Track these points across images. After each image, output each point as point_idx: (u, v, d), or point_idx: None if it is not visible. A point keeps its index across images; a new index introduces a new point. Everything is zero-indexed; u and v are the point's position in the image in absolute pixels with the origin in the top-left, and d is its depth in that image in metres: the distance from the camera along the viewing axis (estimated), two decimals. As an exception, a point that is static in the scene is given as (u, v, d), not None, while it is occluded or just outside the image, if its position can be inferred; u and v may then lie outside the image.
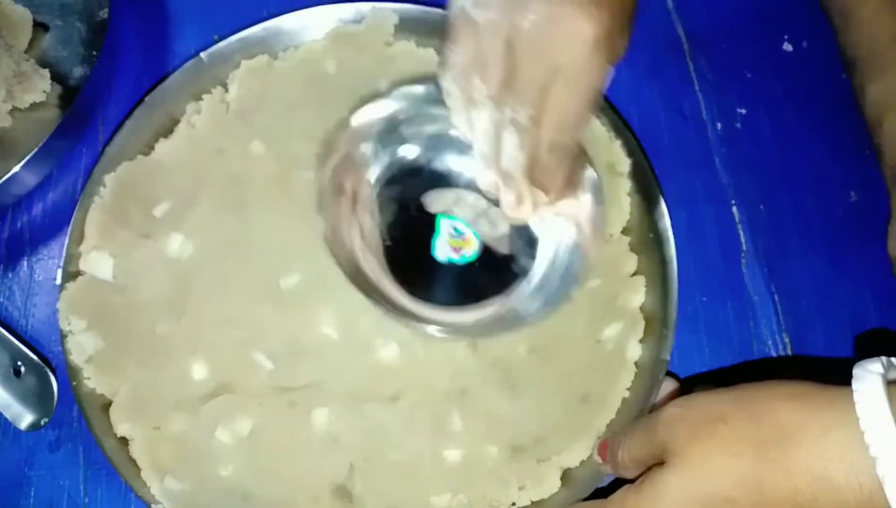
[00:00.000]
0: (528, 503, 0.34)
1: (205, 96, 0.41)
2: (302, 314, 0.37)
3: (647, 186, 0.39)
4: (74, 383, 0.35)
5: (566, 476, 0.35)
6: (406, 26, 0.43)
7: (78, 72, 0.44)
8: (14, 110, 0.42)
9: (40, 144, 0.38)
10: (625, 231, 0.40)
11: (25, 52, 0.44)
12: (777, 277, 0.40)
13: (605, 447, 0.33)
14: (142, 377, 0.35)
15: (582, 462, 0.35)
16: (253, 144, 0.40)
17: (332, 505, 0.34)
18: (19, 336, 0.37)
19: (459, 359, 0.37)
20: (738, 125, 0.44)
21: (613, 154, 0.40)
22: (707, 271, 0.41)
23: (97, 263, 0.37)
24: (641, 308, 0.38)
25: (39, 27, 0.45)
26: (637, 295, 0.38)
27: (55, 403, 0.36)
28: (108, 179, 0.38)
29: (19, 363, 0.36)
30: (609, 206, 0.40)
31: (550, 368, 0.37)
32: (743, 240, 0.42)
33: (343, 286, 0.37)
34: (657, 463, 0.29)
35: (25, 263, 0.40)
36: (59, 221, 0.41)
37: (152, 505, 0.33)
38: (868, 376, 0.25)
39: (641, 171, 0.40)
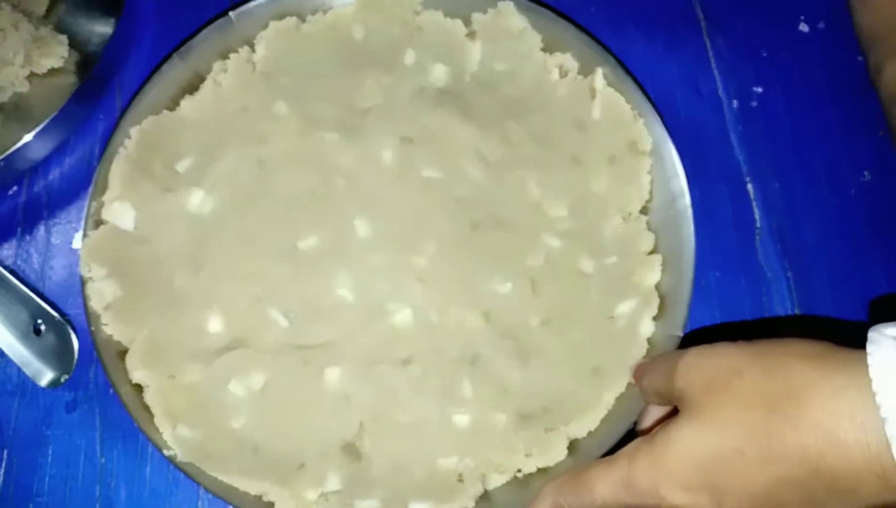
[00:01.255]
0: (534, 469, 0.35)
1: (231, 55, 0.41)
2: (318, 275, 0.37)
3: (668, 165, 0.39)
4: (93, 328, 0.35)
5: (573, 445, 0.35)
6: (435, -5, 0.43)
7: (95, 38, 0.44)
8: (32, 76, 0.43)
9: (58, 110, 0.39)
10: (643, 210, 0.40)
11: (43, 18, 0.44)
12: (790, 253, 0.40)
13: (640, 369, 0.34)
14: (158, 327, 0.36)
15: (589, 433, 0.35)
16: (277, 104, 0.41)
17: (341, 462, 0.34)
18: (40, 294, 0.37)
19: (472, 327, 0.37)
20: (754, 103, 0.44)
21: (636, 132, 0.40)
22: (721, 246, 0.41)
23: (119, 213, 0.37)
24: (657, 286, 0.38)
25: None
26: (653, 273, 0.38)
27: (75, 360, 0.37)
28: (134, 131, 0.39)
29: (39, 321, 0.37)
30: (629, 184, 0.40)
31: (562, 340, 0.37)
32: (757, 217, 0.42)
33: (359, 251, 0.38)
34: (671, 414, 0.29)
35: (43, 227, 0.41)
36: (76, 185, 0.42)
37: (164, 451, 0.33)
38: (883, 339, 0.26)
39: (663, 150, 0.40)
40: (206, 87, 0.41)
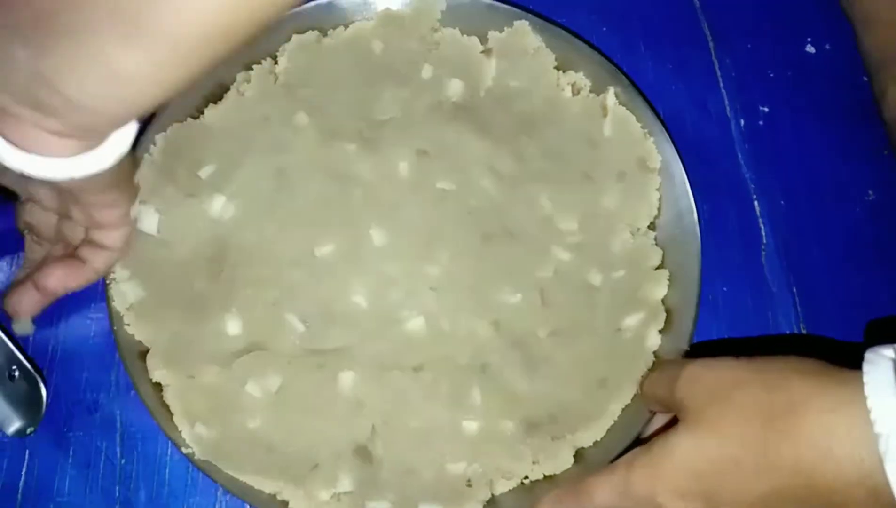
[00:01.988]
0: (541, 476, 0.35)
1: (255, 67, 0.43)
2: (334, 282, 0.38)
3: (677, 183, 0.40)
4: (115, 328, 0.36)
5: (579, 454, 0.36)
6: (453, 13, 0.44)
7: None
8: None
9: None
10: (652, 226, 0.41)
11: None
12: (796, 270, 0.41)
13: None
14: (178, 329, 0.37)
15: (596, 443, 0.36)
16: (297, 115, 0.42)
17: (353, 464, 0.35)
18: (16, 343, 0.37)
19: (482, 336, 0.38)
20: (761, 122, 0.45)
21: (646, 150, 0.41)
22: (728, 261, 0.42)
23: (144, 217, 0.38)
24: (664, 301, 0.39)
25: None
26: (660, 288, 0.39)
27: (42, 413, 0.36)
28: (159, 138, 0.40)
29: (14, 367, 0.36)
30: (638, 200, 0.41)
31: (569, 352, 0.38)
32: (763, 233, 0.43)
33: (374, 259, 0.39)
34: (671, 423, 0.30)
35: None
36: None
37: (182, 449, 0.34)
38: (879, 359, 0.27)
39: (672, 168, 0.41)
40: (230, 96, 0.42)
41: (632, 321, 0.38)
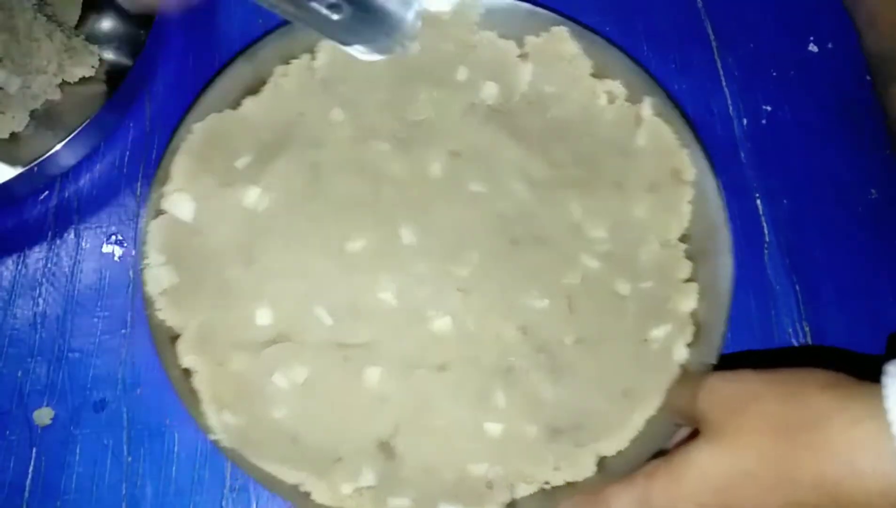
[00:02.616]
0: (562, 483, 0.35)
1: (293, 61, 0.43)
2: (363, 278, 0.39)
3: (710, 196, 0.40)
4: (148, 312, 0.37)
5: (602, 463, 0.36)
6: (491, 17, 0.44)
7: (126, 49, 0.45)
8: (64, 84, 0.44)
9: (89, 118, 0.40)
10: (682, 238, 0.41)
11: (76, 28, 0.46)
12: (798, 268, 0.42)
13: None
14: (209, 316, 0.37)
15: (619, 452, 0.36)
16: (333, 111, 0.42)
17: (376, 458, 0.35)
18: None
19: (508, 339, 0.38)
20: (764, 122, 0.46)
21: (680, 161, 0.41)
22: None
23: (179, 204, 0.39)
24: (692, 314, 0.39)
25: (90, 4, 0.46)
26: (689, 301, 0.39)
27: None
28: (197, 127, 0.40)
29: None
30: (669, 212, 0.41)
31: (595, 360, 0.38)
32: (766, 232, 0.43)
33: (404, 258, 0.39)
34: (692, 435, 0.30)
35: (73, 231, 0.43)
36: (105, 192, 0.43)
37: (209, 435, 0.34)
38: None
39: (705, 181, 0.41)
40: (268, 89, 0.43)
41: (659, 332, 0.38)
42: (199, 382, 0.36)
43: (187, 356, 0.36)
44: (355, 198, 0.40)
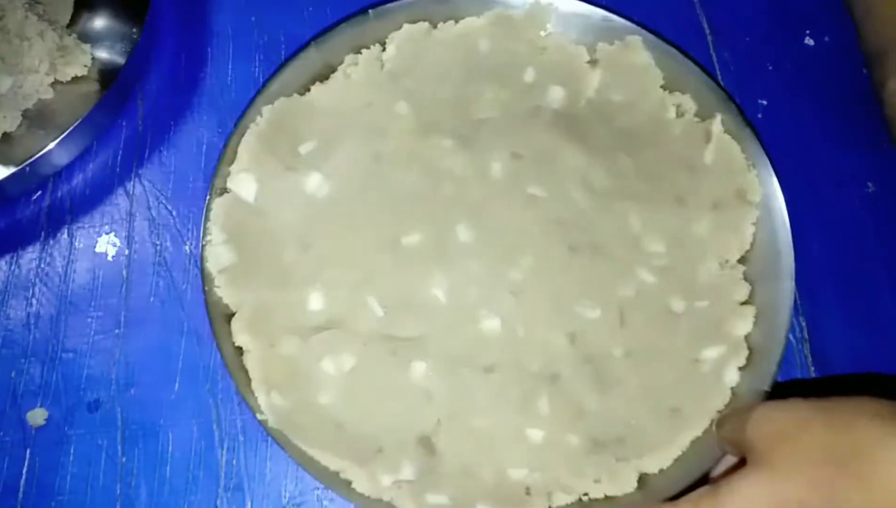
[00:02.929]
0: (602, 496, 0.35)
1: (363, 51, 0.43)
2: (416, 272, 0.39)
3: (776, 220, 0.39)
4: (206, 288, 0.37)
5: (643, 479, 0.35)
6: (564, 21, 0.44)
7: (118, 48, 0.45)
8: (56, 84, 0.44)
9: (81, 117, 0.39)
10: (742, 260, 0.40)
11: (68, 27, 0.45)
12: (796, 263, 0.40)
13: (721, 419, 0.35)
14: (264, 297, 0.38)
15: (661, 471, 0.35)
16: (399, 104, 0.42)
17: (417, 453, 0.35)
18: None
19: (556, 347, 0.38)
20: (760, 116, 0.45)
21: (747, 182, 0.40)
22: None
23: (243, 184, 0.39)
24: (747, 338, 0.38)
25: (82, 3, 0.46)
26: (744, 324, 0.38)
27: None
28: (266, 110, 0.41)
29: None
30: (731, 232, 0.40)
31: (643, 374, 0.38)
32: None
33: (458, 255, 0.39)
34: (739, 464, 0.30)
35: (66, 231, 0.42)
36: (98, 191, 0.43)
37: (257, 415, 0.35)
38: None
39: (773, 204, 0.40)
40: (337, 77, 0.43)
41: (711, 353, 0.38)
42: (250, 361, 0.36)
43: (241, 335, 0.37)
44: (414, 192, 0.41)
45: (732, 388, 0.37)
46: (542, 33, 0.44)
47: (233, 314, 0.37)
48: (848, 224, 0.43)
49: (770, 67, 0.46)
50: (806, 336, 0.41)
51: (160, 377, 0.39)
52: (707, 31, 0.47)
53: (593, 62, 0.44)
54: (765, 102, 0.46)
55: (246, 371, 0.36)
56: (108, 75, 0.45)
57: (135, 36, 0.44)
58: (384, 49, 0.44)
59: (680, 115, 0.43)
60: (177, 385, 0.39)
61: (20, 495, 0.37)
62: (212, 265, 0.38)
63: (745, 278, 0.39)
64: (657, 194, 0.41)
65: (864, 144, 0.44)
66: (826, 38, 0.47)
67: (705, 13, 0.48)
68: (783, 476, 0.28)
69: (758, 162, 0.40)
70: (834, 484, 0.27)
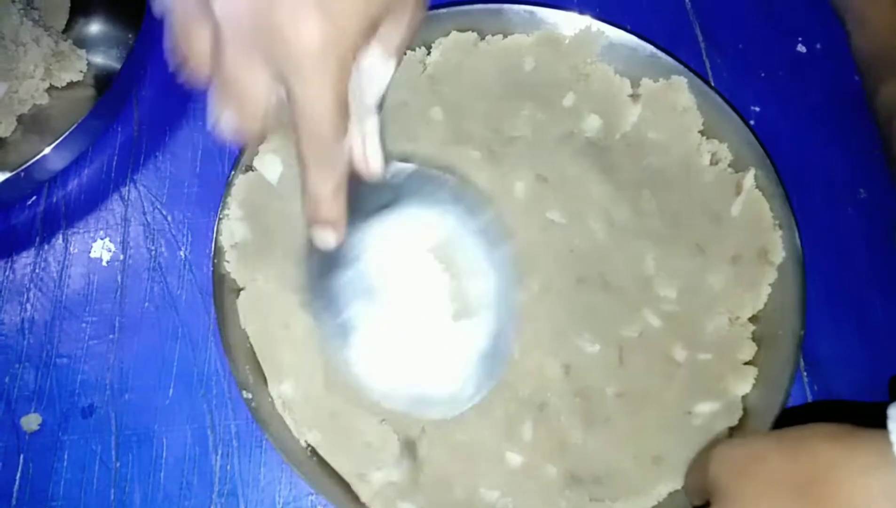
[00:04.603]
0: (569, 533, 0.35)
1: (407, 52, 0.43)
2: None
3: (793, 285, 0.38)
4: (215, 261, 0.38)
5: (613, 524, 0.35)
6: (612, 51, 0.44)
7: (114, 53, 0.46)
8: (51, 89, 0.44)
9: (77, 123, 0.39)
10: (753, 319, 0.39)
11: (63, 32, 0.46)
12: None
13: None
14: (273, 276, 0.38)
15: (633, 518, 0.35)
16: (434, 109, 0.43)
17: (400, 455, 0.35)
18: None
19: (549, 375, 0.38)
20: (752, 122, 0.45)
21: (771, 242, 0.40)
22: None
23: (270, 164, 0.40)
24: (744, 398, 0.37)
25: (78, 8, 0.47)
26: (744, 384, 0.37)
27: None
28: (303, 95, 0.41)
29: None
30: (747, 289, 0.39)
31: (632, 418, 0.37)
32: None
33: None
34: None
35: (61, 236, 0.42)
36: (93, 196, 0.43)
37: (267, 399, 0.36)
38: None
39: (793, 268, 0.39)
40: (377, 73, 0.43)
41: (705, 408, 0.37)
42: (253, 337, 0.37)
43: (247, 315, 0.37)
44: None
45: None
46: (588, 60, 0.44)
47: (239, 291, 0.38)
48: (840, 230, 0.43)
49: (763, 74, 0.47)
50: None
51: (154, 382, 0.39)
52: (700, 38, 0.48)
53: (635, 97, 0.44)
54: (757, 109, 0.46)
55: (245, 350, 0.37)
56: (103, 80, 0.45)
57: (130, 41, 0.44)
58: (429, 53, 0.44)
59: (714, 162, 0.42)
60: (171, 391, 0.39)
61: (13, 501, 0.37)
62: (225, 239, 0.38)
63: (753, 338, 0.38)
64: (678, 238, 0.41)
65: (855, 150, 0.44)
66: (818, 46, 0.47)
67: (698, 20, 0.48)
68: (739, 507, 0.28)
69: (785, 223, 0.39)
70: None
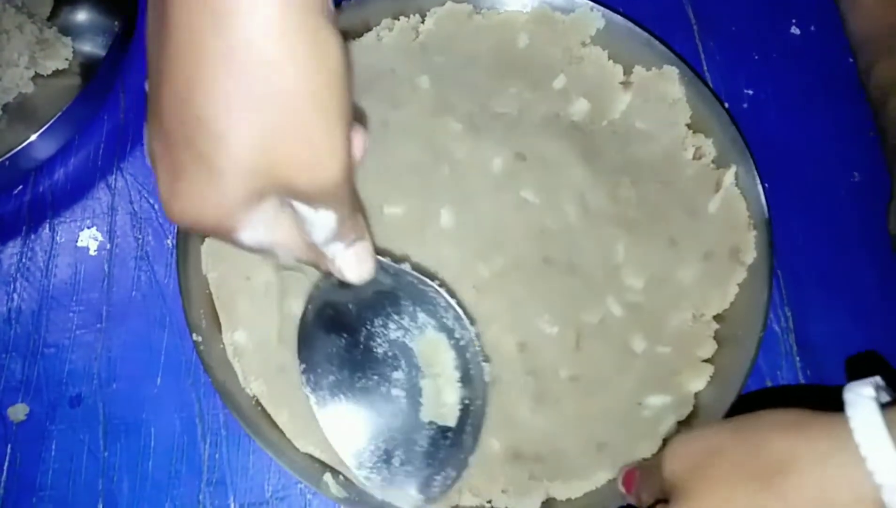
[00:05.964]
0: (503, 507, 0.35)
1: (402, 18, 0.44)
2: (389, 243, 0.39)
3: (759, 288, 0.38)
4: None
5: (548, 503, 0.35)
6: (607, 34, 0.43)
7: (100, 41, 0.45)
8: (36, 77, 0.44)
9: (62, 111, 0.39)
10: (717, 317, 0.39)
11: (48, 20, 0.45)
12: (780, 252, 0.40)
13: (631, 477, 0.33)
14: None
15: (568, 500, 0.35)
16: (421, 78, 0.43)
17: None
18: None
19: (504, 351, 0.38)
20: (745, 105, 0.45)
21: (744, 241, 0.39)
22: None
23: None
24: (696, 395, 0.37)
25: None
26: (699, 381, 0.37)
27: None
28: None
29: None
30: (715, 287, 0.39)
31: (582, 403, 0.37)
32: None
33: (435, 236, 0.39)
34: (665, 500, 0.29)
35: (47, 225, 0.42)
36: (80, 185, 0.43)
37: (218, 345, 0.36)
38: (860, 400, 0.25)
39: (762, 271, 0.38)
40: (369, 37, 0.43)
41: (656, 400, 0.37)
42: (216, 290, 0.37)
43: (210, 262, 0.38)
44: (410, 165, 0.41)
45: (664, 437, 0.36)
46: (583, 42, 0.43)
47: (204, 237, 0.38)
48: (833, 213, 0.42)
49: (756, 57, 0.46)
50: (791, 326, 0.40)
51: (142, 371, 0.39)
52: (693, 21, 0.47)
53: (626, 84, 0.43)
54: (750, 92, 0.45)
55: (202, 300, 0.37)
56: (89, 68, 0.44)
57: (116, 29, 0.43)
58: (423, 21, 0.44)
59: (697, 157, 0.41)
60: (159, 380, 0.39)
61: (1, 491, 0.37)
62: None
63: (715, 337, 0.38)
64: (652, 229, 0.40)
65: (849, 133, 0.44)
66: (812, 28, 0.47)
67: (691, 3, 0.48)
68: (698, 503, 0.27)
69: (759, 224, 0.39)
70: (753, 502, 0.26)
